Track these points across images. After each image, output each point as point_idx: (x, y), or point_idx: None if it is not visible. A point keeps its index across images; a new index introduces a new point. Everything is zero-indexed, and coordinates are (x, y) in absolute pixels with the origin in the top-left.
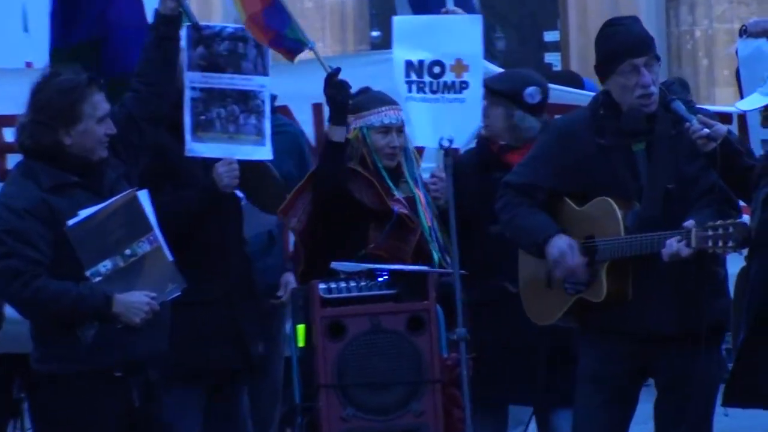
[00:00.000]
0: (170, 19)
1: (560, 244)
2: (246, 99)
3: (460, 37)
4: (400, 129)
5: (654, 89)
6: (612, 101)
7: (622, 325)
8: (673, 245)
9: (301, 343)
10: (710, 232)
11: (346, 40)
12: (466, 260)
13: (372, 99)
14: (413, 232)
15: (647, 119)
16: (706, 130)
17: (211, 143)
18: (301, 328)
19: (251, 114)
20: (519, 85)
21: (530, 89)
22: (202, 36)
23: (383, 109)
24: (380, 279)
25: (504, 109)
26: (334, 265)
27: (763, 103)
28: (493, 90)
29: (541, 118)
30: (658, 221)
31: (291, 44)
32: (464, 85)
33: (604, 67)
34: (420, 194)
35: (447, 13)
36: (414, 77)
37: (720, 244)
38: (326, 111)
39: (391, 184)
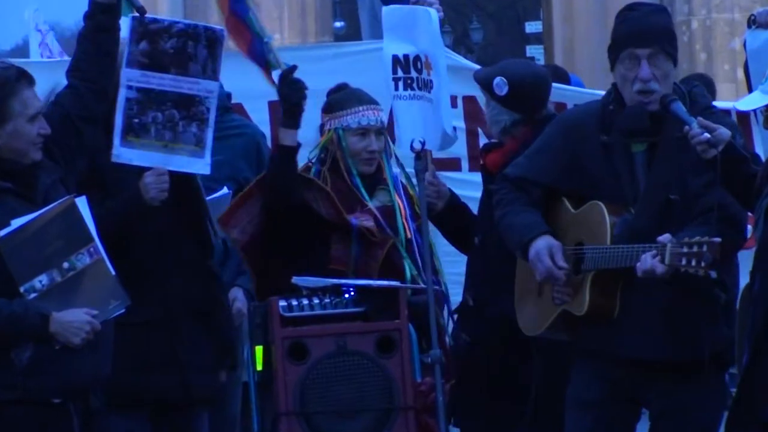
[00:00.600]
0: (107, 7)
1: (540, 244)
2: (189, 104)
3: (423, 31)
4: (379, 131)
5: (655, 86)
6: (619, 95)
7: (604, 345)
8: (648, 261)
9: (259, 367)
10: (685, 249)
11: (307, 30)
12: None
13: (349, 97)
14: (380, 246)
15: (652, 119)
16: (707, 135)
17: (142, 150)
18: (259, 350)
19: (193, 121)
20: (492, 75)
21: (497, 79)
22: (147, 29)
23: (361, 108)
24: (347, 295)
25: (485, 101)
26: (296, 280)
27: (764, 103)
28: (475, 79)
29: (519, 114)
30: (652, 233)
31: (259, 49)
32: (431, 83)
33: (610, 54)
34: (400, 203)
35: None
36: (401, 73)
37: (693, 263)
38: None
39: (364, 193)
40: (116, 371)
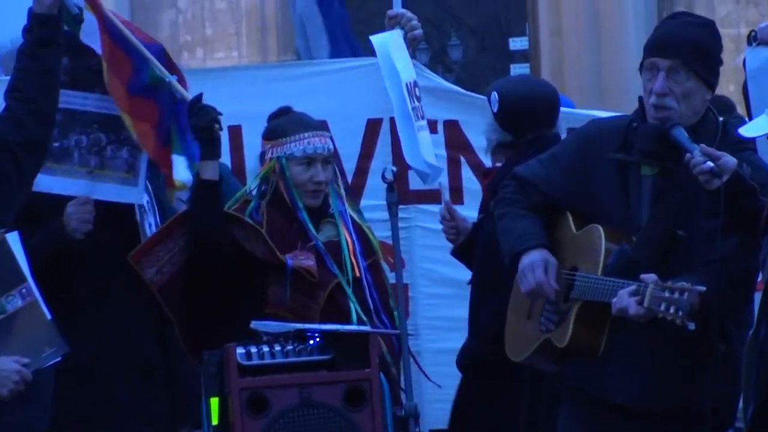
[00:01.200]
0: (48, 19)
1: (536, 256)
2: (118, 127)
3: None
4: (326, 160)
5: (671, 103)
6: (643, 110)
7: (587, 384)
8: (624, 298)
9: (214, 421)
10: (666, 294)
11: (268, 48)
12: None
13: (293, 122)
14: (322, 287)
15: (666, 140)
16: (710, 164)
17: (63, 177)
18: (214, 402)
19: (123, 146)
20: (493, 88)
21: (492, 94)
22: (73, 43)
23: (306, 135)
24: (311, 342)
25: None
26: (255, 324)
27: (764, 132)
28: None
29: (510, 135)
30: (651, 270)
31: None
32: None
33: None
34: (348, 238)
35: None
36: (416, 102)
37: (671, 310)
38: (246, 134)
39: (310, 227)
40: (56, 422)
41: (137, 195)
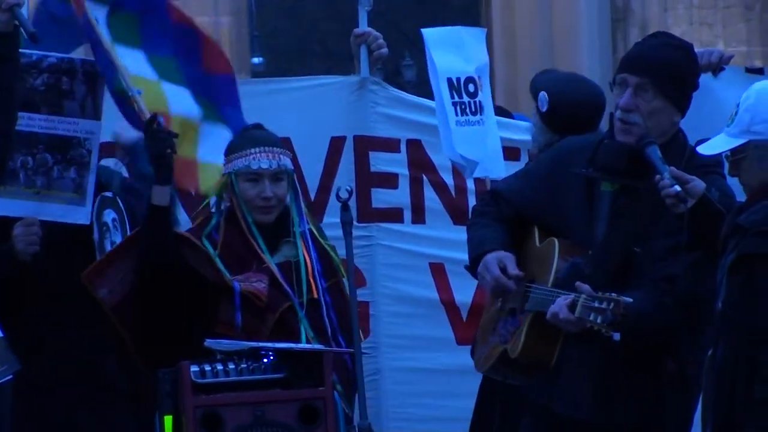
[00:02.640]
0: (4, 36)
1: (489, 256)
2: (65, 147)
3: (474, 51)
4: (276, 176)
5: (636, 119)
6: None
7: (537, 395)
8: (559, 305)
9: None
10: (596, 304)
11: None
12: None
13: (245, 139)
14: (272, 310)
15: (629, 158)
16: (677, 188)
17: (8, 198)
18: (168, 420)
19: (71, 165)
20: (541, 86)
21: (541, 93)
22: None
23: (254, 151)
24: (265, 360)
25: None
26: (209, 342)
27: (733, 145)
28: (531, 86)
29: (557, 136)
30: (599, 283)
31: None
32: (481, 105)
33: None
34: (308, 258)
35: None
36: (456, 98)
37: (598, 320)
38: None
39: (263, 247)
40: None
41: (84, 215)
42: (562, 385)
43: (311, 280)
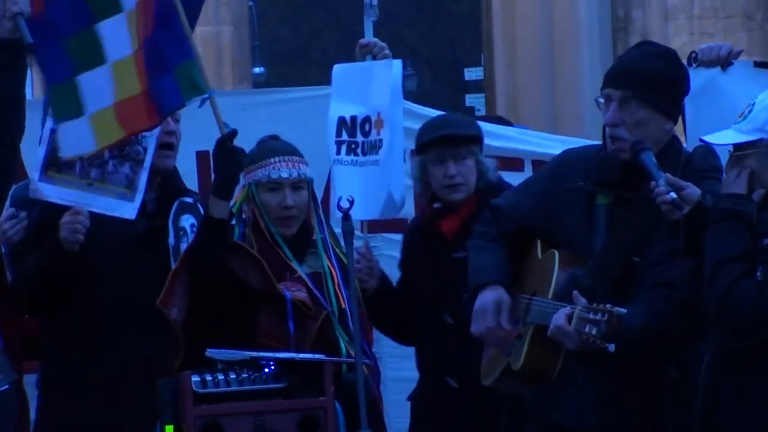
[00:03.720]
0: (9, 44)
1: (488, 297)
2: (122, 142)
3: (379, 86)
4: (297, 185)
5: (621, 133)
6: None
7: (540, 406)
8: (560, 318)
9: None
10: (591, 315)
11: (223, 76)
12: (420, 354)
13: (263, 149)
14: (314, 319)
15: (623, 170)
16: (672, 195)
17: (62, 187)
18: (169, 430)
19: (126, 161)
20: (474, 124)
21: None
22: None
23: (273, 160)
24: (266, 370)
25: (474, 158)
26: (210, 352)
27: (735, 141)
28: (463, 136)
29: None
30: (602, 296)
31: (165, 95)
32: (380, 143)
33: None
34: (332, 269)
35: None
36: (345, 136)
37: (594, 332)
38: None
39: (290, 257)
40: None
41: (131, 210)
42: (564, 396)
43: (338, 290)
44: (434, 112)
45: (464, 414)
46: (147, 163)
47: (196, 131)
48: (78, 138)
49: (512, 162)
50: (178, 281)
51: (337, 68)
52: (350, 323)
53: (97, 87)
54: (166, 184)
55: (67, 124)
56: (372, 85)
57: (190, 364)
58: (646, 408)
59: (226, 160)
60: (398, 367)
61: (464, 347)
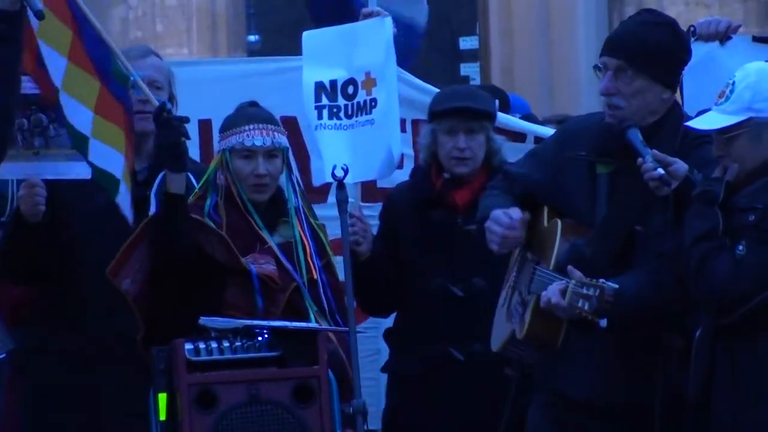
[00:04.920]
0: (10, 15)
1: (497, 211)
2: (57, 104)
3: (368, 46)
4: (271, 153)
5: (618, 102)
6: None
7: (543, 378)
8: (552, 290)
9: (162, 417)
10: (584, 290)
11: (218, 44)
12: (402, 321)
13: (240, 116)
14: (282, 290)
15: (616, 139)
16: (660, 171)
17: (10, 162)
18: (162, 398)
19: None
20: (490, 100)
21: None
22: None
23: (248, 128)
24: (260, 338)
25: (486, 134)
26: (203, 320)
27: (724, 124)
28: (478, 111)
29: None
30: (604, 266)
31: (117, 89)
32: (373, 102)
33: None
34: (305, 238)
35: (368, 15)
36: (325, 101)
37: (586, 307)
38: (216, 128)
39: (261, 226)
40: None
41: (85, 169)
42: (571, 367)
43: (309, 261)
44: (433, 89)
45: (467, 388)
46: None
47: (197, 100)
48: (110, 159)
49: (515, 135)
50: (133, 253)
51: (308, 34)
52: (321, 294)
53: (75, 109)
54: (159, 153)
55: (95, 153)
56: (356, 47)
57: (156, 338)
58: (652, 377)
59: (163, 130)
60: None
61: (472, 320)
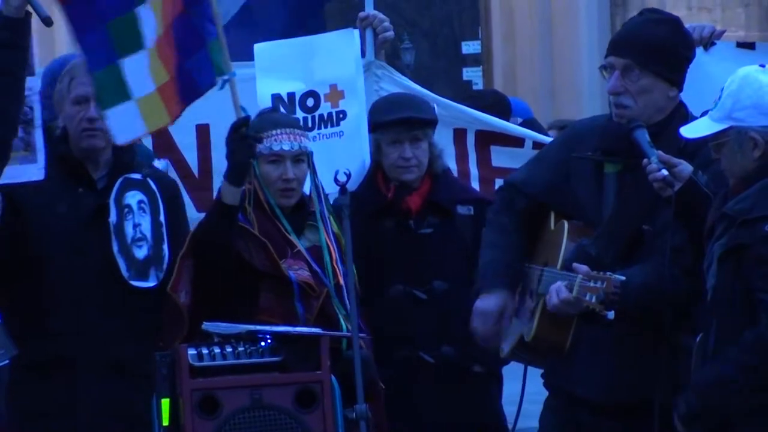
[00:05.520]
0: (15, 23)
1: (490, 304)
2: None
3: (334, 58)
4: (297, 158)
5: (627, 101)
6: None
7: (553, 379)
8: (557, 287)
9: (165, 422)
10: (591, 284)
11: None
12: (367, 332)
13: (265, 121)
14: (316, 297)
15: (623, 138)
16: (664, 172)
17: None
18: (165, 403)
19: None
20: (431, 107)
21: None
22: None
23: (275, 132)
24: (263, 343)
25: (428, 140)
26: (206, 326)
27: (706, 132)
28: (421, 120)
29: None
30: (611, 264)
31: (197, 74)
32: (341, 115)
33: None
34: (330, 244)
35: (364, 20)
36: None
37: (593, 299)
38: (213, 133)
39: (290, 230)
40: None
41: (38, 171)
42: (580, 368)
43: (335, 266)
44: (431, 94)
45: (440, 389)
46: (38, 121)
47: (194, 104)
48: (128, 122)
49: (513, 138)
50: (185, 265)
51: (260, 47)
52: (347, 300)
53: (139, 72)
54: (117, 161)
55: (115, 109)
56: (316, 59)
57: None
58: (662, 377)
59: (237, 147)
60: None
61: (438, 322)
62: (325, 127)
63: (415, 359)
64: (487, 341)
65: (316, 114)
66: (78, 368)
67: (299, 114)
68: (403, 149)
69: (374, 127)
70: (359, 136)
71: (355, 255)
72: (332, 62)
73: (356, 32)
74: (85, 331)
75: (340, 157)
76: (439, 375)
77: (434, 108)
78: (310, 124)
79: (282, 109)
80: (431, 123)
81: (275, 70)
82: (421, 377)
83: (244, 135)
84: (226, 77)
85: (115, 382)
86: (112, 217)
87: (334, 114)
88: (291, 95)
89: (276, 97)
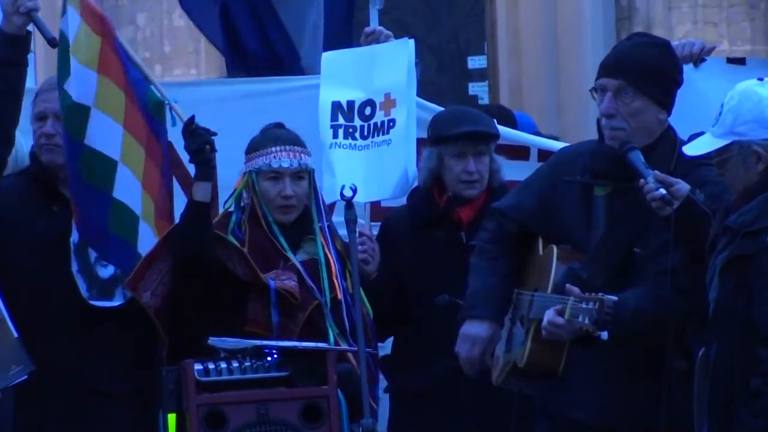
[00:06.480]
0: (16, 40)
1: (480, 331)
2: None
3: (390, 67)
4: (298, 175)
5: (619, 123)
6: (600, 129)
7: (546, 403)
8: (550, 312)
9: None
10: (583, 305)
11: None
12: (405, 341)
13: (266, 138)
14: (301, 308)
15: (614, 160)
16: (662, 191)
17: None
18: (172, 418)
19: None
20: (492, 120)
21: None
22: None
23: (274, 149)
24: (269, 358)
25: (490, 155)
26: (212, 341)
27: (709, 149)
28: (489, 134)
29: None
30: (596, 286)
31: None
32: (391, 123)
33: None
34: (329, 256)
35: (370, 35)
36: (342, 120)
37: (586, 321)
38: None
39: (285, 245)
40: None
41: None
42: (573, 392)
43: (334, 280)
44: (435, 107)
45: (477, 400)
46: None
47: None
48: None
49: (518, 151)
50: (153, 266)
51: (328, 55)
52: (345, 315)
53: (102, 130)
54: None
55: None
56: (376, 68)
57: (181, 352)
58: (655, 400)
59: (190, 138)
60: None
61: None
62: (378, 135)
63: (455, 368)
64: (471, 367)
65: (371, 122)
66: (46, 388)
67: (357, 122)
68: (467, 163)
69: (437, 140)
70: (404, 144)
71: (402, 263)
72: (388, 71)
73: (411, 42)
74: (53, 353)
75: (387, 164)
76: (476, 385)
77: (495, 122)
78: (366, 132)
79: (341, 117)
80: (494, 137)
81: (338, 77)
82: (460, 387)
83: (192, 128)
84: (167, 102)
85: (84, 402)
86: (74, 237)
87: (386, 122)
88: (351, 103)
89: (336, 105)
